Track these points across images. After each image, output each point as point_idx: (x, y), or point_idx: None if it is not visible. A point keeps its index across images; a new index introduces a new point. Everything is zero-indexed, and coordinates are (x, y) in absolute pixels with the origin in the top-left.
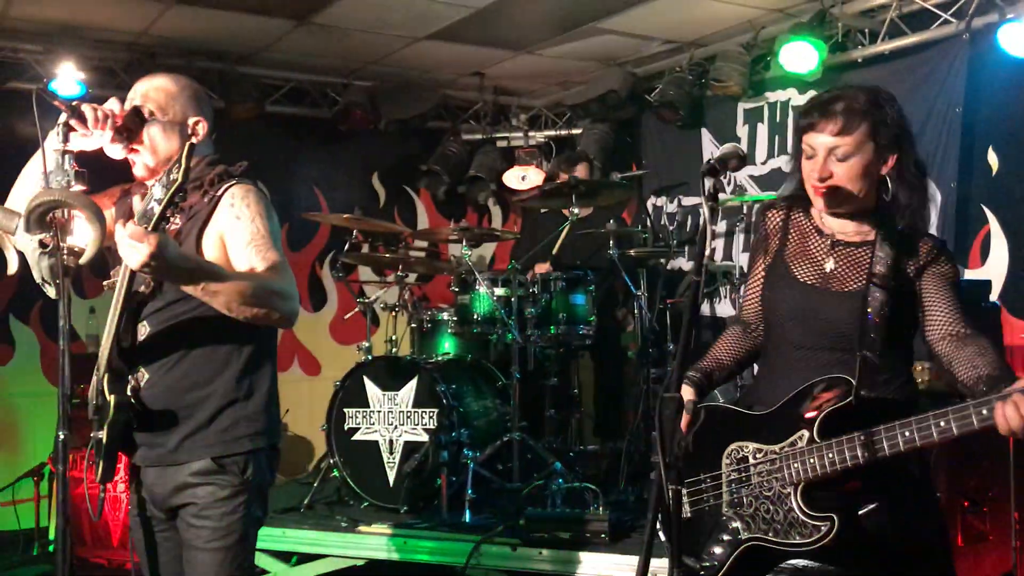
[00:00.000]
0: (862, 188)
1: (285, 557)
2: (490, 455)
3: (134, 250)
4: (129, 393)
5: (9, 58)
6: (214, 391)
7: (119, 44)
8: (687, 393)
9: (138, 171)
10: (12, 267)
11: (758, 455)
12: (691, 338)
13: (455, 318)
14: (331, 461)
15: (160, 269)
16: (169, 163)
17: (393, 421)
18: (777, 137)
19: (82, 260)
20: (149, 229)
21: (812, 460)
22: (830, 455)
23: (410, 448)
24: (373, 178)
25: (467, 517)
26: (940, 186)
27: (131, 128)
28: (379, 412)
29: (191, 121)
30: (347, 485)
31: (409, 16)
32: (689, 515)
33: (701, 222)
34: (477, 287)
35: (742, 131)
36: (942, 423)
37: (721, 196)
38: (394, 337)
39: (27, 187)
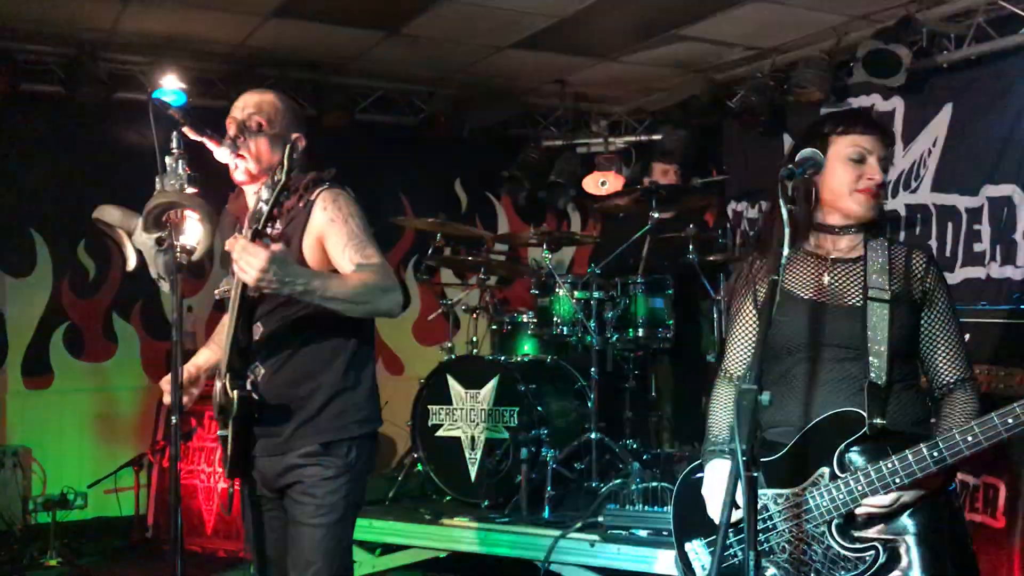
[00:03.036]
0: None
1: (371, 548)
2: (569, 454)
3: (248, 266)
4: (249, 388)
5: (118, 70)
6: (324, 382)
7: (218, 56)
8: (724, 465)
9: (239, 175)
10: (131, 264)
11: (779, 500)
12: (767, 335)
13: (535, 320)
14: (415, 456)
15: (272, 284)
16: (269, 171)
17: (475, 419)
18: None
19: (194, 257)
20: (260, 227)
21: (841, 494)
22: (859, 486)
23: (491, 445)
24: (456, 184)
25: (546, 513)
26: None
27: (242, 137)
28: (461, 409)
29: (293, 136)
30: (430, 480)
31: (493, 26)
32: None
33: (778, 224)
34: (557, 290)
35: None
36: (969, 437)
37: None
38: (475, 338)
39: None
